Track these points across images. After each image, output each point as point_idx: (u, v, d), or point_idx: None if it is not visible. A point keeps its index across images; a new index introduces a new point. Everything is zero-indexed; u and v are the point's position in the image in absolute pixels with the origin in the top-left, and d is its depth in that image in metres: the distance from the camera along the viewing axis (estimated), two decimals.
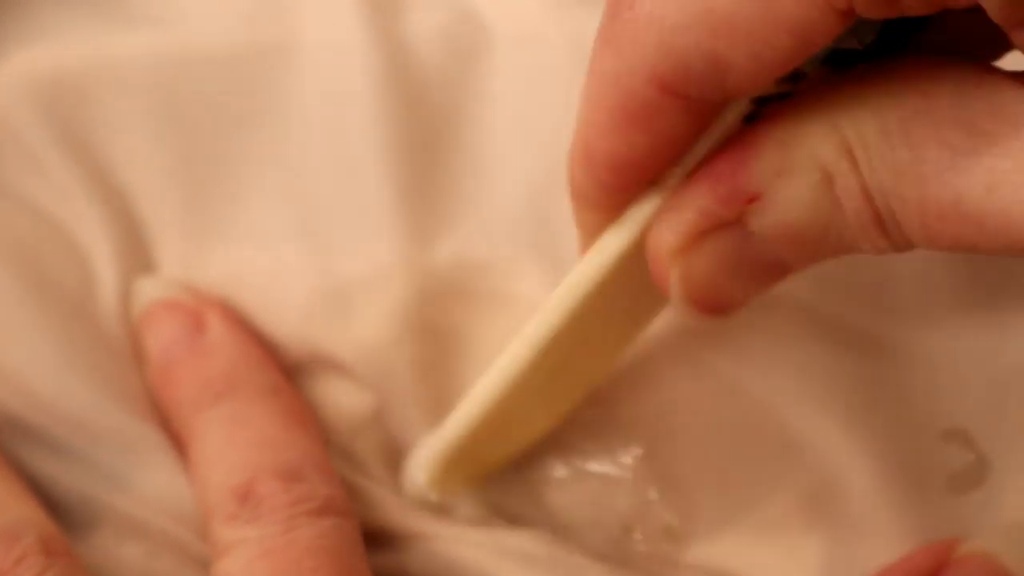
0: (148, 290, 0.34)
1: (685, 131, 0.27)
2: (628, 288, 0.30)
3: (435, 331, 0.33)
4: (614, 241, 0.29)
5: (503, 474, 0.34)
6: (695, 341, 0.34)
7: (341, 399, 0.34)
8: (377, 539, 0.32)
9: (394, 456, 0.34)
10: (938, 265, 0.34)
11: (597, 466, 0.33)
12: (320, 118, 0.35)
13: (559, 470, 0.34)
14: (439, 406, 0.33)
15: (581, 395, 0.33)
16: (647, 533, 0.33)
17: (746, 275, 0.28)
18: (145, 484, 0.32)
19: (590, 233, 0.30)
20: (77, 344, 0.33)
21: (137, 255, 0.34)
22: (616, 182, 0.28)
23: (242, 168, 0.35)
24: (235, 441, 0.32)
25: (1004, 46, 0.27)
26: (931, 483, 0.33)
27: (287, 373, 0.34)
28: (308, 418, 0.33)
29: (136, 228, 0.34)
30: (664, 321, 0.33)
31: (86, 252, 0.34)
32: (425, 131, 0.34)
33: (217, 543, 0.30)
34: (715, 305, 0.28)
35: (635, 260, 0.29)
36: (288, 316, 0.34)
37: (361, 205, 0.34)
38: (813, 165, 0.26)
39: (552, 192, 0.34)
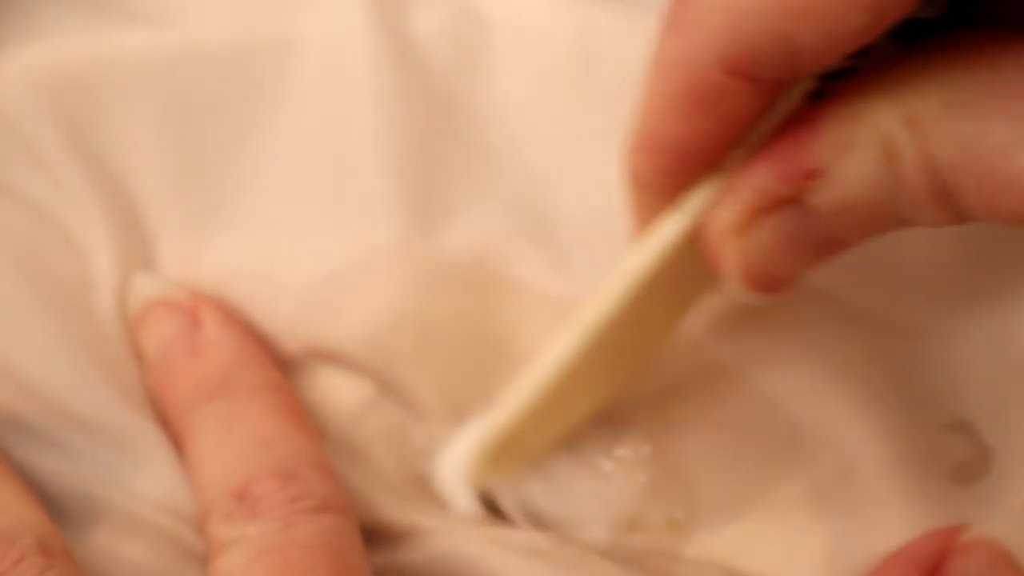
0: (144, 288, 0.34)
1: (751, 112, 0.27)
2: (681, 272, 0.30)
3: (434, 316, 0.33)
4: (672, 225, 0.29)
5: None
6: (700, 331, 0.33)
7: (339, 390, 0.34)
8: (377, 536, 0.32)
9: (394, 446, 0.33)
10: (947, 254, 0.33)
11: (600, 458, 0.33)
12: (321, 111, 0.35)
13: (562, 462, 0.33)
14: (439, 391, 0.33)
15: (624, 380, 0.33)
16: (650, 526, 0.33)
17: (802, 252, 0.28)
18: (145, 481, 0.32)
19: (646, 217, 0.30)
20: (76, 340, 0.33)
21: (137, 250, 0.34)
22: (678, 166, 0.28)
23: (242, 162, 0.35)
24: (231, 439, 0.31)
25: None
26: (936, 473, 0.33)
27: (285, 366, 0.34)
28: (305, 415, 0.33)
29: (136, 223, 0.35)
30: None
31: (86, 248, 0.34)
32: (426, 122, 0.35)
33: (214, 541, 0.30)
34: (770, 283, 0.28)
35: (691, 244, 0.29)
36: (286, 306, 0.34)
37: (361, 194, 0.34)
38: (876, 139, 0.26)
39: (552, 180, 0.34)
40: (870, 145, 0.26)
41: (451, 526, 0.32)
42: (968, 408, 0.33)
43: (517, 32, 0.36)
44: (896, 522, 0.32)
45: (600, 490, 0.33)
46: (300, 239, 0.34)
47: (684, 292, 0.32)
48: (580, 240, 0.34)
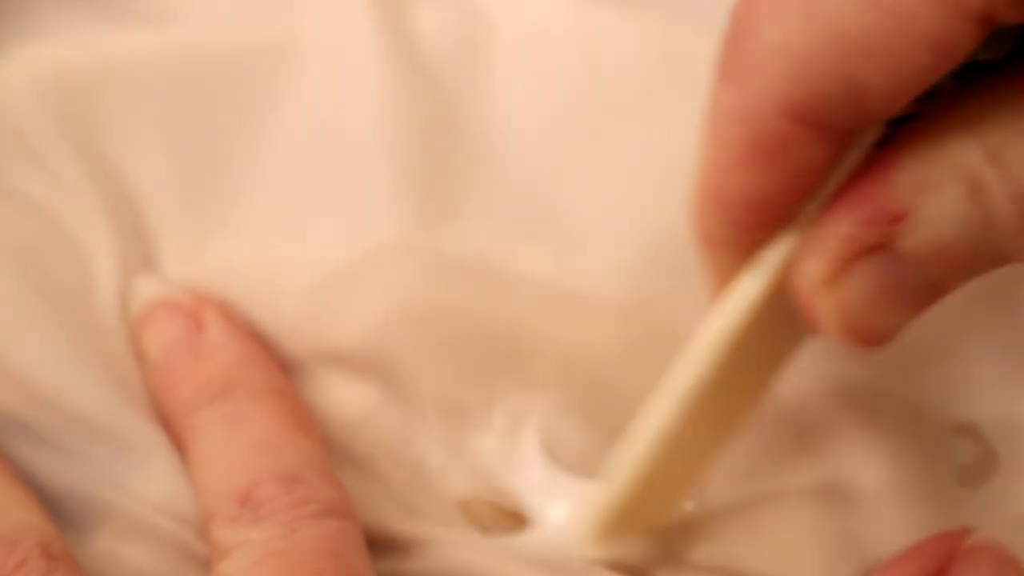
0: (146, 290, 0.34)
1: (821, 162, 0.26)
2: (768, 332, 0.29)
3: (437, 312, 0.33)
4: (753, 283, 0.28)
5: None
6: None
7: (342, 398, 0.34)
8: (380, 545, 0.32)
9: (397, 455, 0.33)
10: None
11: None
12: (324, 111, 0.35)
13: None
14: (443, 386, 0.33)
15: (723, 443, 0.32)
16: (660, 528, 0.33)
17: (902, 299, 0.27)
18: (147, 483, 0.32)
19: (722, 277, 0.29)
20: (78, 342, 0.33)
21: (139, 252, 0.34)
22: (751, 221, 0.28)
23: (245, 162, 0.35)
24: (234, 442, 0.31)
25: None
26: (941, 476, 0.33)
27: (288, 368, 0.34)
28: (308, 418, 0.33)
29: (138, 224, 0.34)
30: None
31: (87, 249, 0.34)
32: (428, 121, 0.34)
33: (217, 545, 0.30)
34: (873, 334, 0.27)
35: (775, 302, 0.28)
36: (289, 307, 0.34)
37: (363, 193, 0.34)
38: (958, 176, 0.25)
39: (554, 180, 0.34)
40: (953, 182, 0.25)
41: (454, 537, 0.32)
42: (973, 411, 0.33)
43: (519, 31, 0.36)
44: (901, 525, 0.32)
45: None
46: (302, 239, 0.34)
47: (774, 349, 0.30)
48: (582, 238, 0.34)
